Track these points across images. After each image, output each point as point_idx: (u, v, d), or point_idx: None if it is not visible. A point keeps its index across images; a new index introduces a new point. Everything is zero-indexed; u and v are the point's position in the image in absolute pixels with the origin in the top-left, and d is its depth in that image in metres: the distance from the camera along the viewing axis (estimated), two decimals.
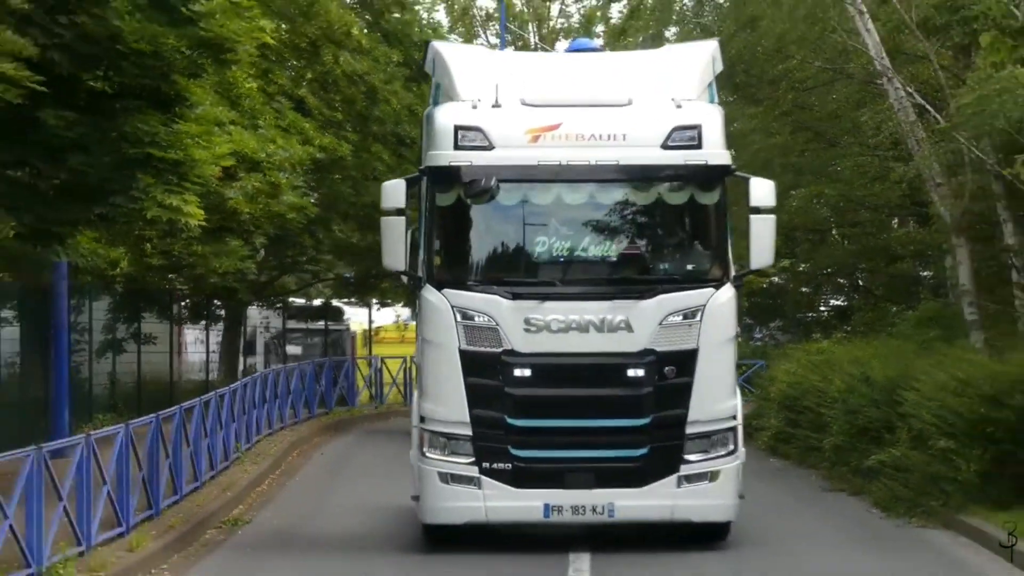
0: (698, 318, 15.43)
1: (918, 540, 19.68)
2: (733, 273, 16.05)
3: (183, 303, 38.15)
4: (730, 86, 36.42)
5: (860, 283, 40.81)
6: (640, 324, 15.32)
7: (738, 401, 16.53)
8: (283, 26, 29.65)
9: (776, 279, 44.23)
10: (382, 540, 16.51)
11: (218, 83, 22.03)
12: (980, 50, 23.67)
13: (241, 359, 41.32)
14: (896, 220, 35.79)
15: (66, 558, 15.69)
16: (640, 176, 15.71)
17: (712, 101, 17.22)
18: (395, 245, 15.61)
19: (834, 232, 36.67)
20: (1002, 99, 22.23)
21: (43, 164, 16.78)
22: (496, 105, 15.81)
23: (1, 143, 15.87)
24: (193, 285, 34.83)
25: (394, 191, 15.73)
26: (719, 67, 18.76)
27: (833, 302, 43.63)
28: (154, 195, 17.86)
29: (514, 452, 15.25)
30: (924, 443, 21.45)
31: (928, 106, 27.98)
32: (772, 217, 15.90)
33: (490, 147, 15.49)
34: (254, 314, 44.63)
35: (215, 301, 39.01)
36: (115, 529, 17.86)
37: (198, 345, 43.78)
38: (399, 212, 15.63)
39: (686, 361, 15.36)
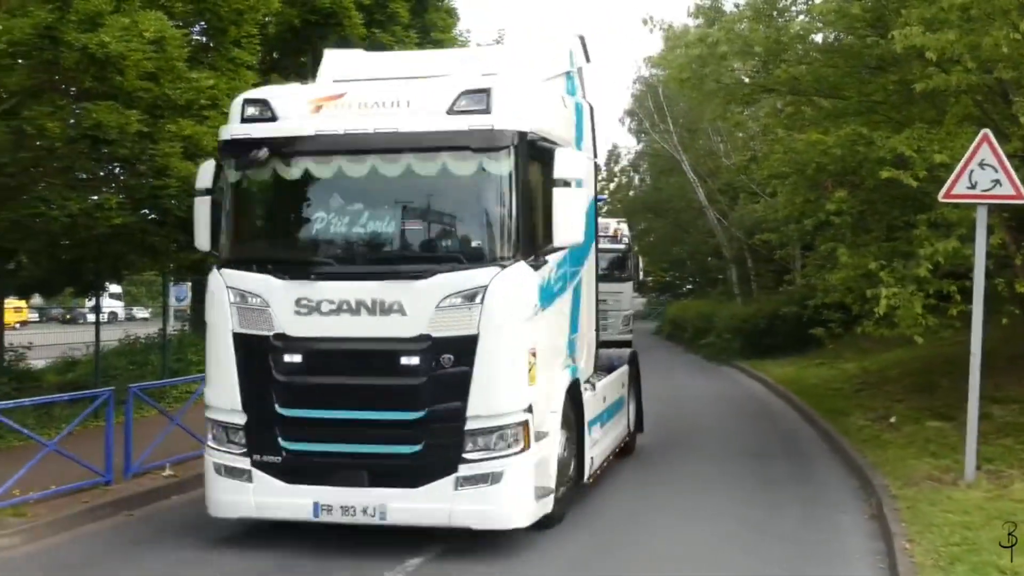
0: (478, 300, 7.51)
1: (718, 371, 21.80)
2: (532, 251, 7.89)
3: None
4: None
5: (698, 280, 40.90)
6: (415, 307, 7.58)
7: (537, 390, 7.91)
8: None
9: (667, 278, 43.76)
10: None
11: None
12: (742, 195, 27.39)
13: None
14: (710, 258, 35.82)
15: None
16: (423, 145, 7.69)
17: (572, 92, 9.79)
18: (202, 226, 8.35)
19: (688, 262, 38.52)
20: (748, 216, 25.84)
21: None
22: (304, 83, 9.50)
23: None
24: None
25: (203, 172, 8.43)
26: (580, 60, 10.24)
27: (688, 287, 42.99)
28: None
29: (283, 444, 7.83)
30: (721, 336, 24.57)
31: (722, 218, 31.16)
32: (576, 190, 7.98)
33: (272, 119, 8.04)
34: None
35: None
36: None
37: None
38: (207, 192, 8.33)
39: (465, 348, 7.52)
